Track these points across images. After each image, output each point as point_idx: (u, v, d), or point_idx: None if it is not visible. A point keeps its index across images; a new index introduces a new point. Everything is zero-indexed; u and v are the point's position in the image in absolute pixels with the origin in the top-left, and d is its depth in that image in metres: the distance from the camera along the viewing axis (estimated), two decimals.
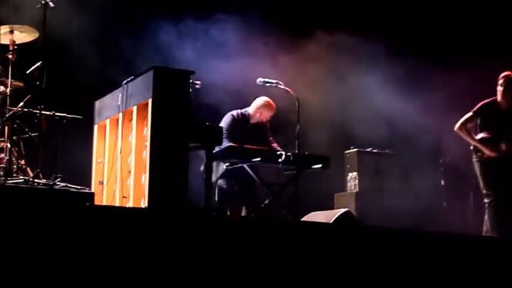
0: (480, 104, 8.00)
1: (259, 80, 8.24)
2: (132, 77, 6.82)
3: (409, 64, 10.15)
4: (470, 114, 8.01)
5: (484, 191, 7.98)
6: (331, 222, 7.37)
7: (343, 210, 7.77)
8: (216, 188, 7.95)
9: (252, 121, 8.25)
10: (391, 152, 10.17)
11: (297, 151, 7.90)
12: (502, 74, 7.97)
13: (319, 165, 7.92)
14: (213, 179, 7.57)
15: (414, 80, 10.20)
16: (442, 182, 10.31)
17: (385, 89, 9.95)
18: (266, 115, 8.28)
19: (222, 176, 7.94)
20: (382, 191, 9.71)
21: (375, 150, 10.11)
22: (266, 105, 8.26)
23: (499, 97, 7.97)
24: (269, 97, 8.34)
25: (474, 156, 8.08)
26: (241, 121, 8.21)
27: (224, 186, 7.98)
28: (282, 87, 8.22)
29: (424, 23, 10.49)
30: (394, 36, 10.25)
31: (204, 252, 5.18)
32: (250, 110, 8.29)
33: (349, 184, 10.00)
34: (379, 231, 6.18)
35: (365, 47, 10.03)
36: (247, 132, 8.13)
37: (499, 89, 7.96)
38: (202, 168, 7.54)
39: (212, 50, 9.38)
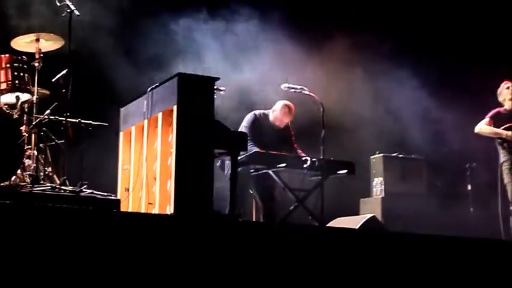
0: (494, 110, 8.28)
1: (284, 85, 8.24)
2: (157, 84, 6.84)
3: (436, 67, 10.10)
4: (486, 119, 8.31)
5: (511, 198, 7.97)
6: (356, 228, 7.34)
7: (368, 215, 7.74)
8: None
9: (273, 123, 8.25)
10: (417, 156, 10.12)
11: (322, 157, 7.89)
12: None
13: (345, 171, 7.90)
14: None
15: (441, 83, 10.15)
16: (469, 187, 10.23)
17: (411, 93, 9.91)
18: (285, 119, 8.27)
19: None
20: (408, 196, 9.65)
21: (400, 155, 10.06)
22: (284, 109, 8.25)
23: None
24: (292, 103, 8.33)
25: (501, 159, 8.09)
26: (263, 121, 8.21)
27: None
28: (307, 92, 8.21)
29: (448, 25, 10.41)
30: (420, 38, 10.19)
31: (230, 258, 5.18)
32: (271, 112, 8.30)
33: (374, 189, 9.95)
34: (405, 237, 6.14)
35: (391, 50, 9.99)
36: (268, 135, 8.13)
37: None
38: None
39: (237, 56, 9.39)
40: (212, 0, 9.51)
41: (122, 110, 7.70)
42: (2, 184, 6.29)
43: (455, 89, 10.14)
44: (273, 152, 7.70)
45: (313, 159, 7.73)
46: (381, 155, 10.02)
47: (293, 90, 8.24)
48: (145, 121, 6.97)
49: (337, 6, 10.19)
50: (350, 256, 5.62)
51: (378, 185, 9.93)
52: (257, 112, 8.27)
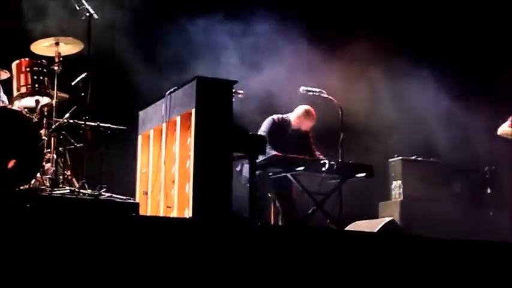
0: None
1: (302, 88, 8.23)
2: (176, 88, 6.86)
3: (457, 69, 10.06)
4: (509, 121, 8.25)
5: None
6: (375, 231, 7.32)
7: (387, 219, 7.72)
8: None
9: (292, 128, 8.24)
10: (436, 160, 10.07)
11: (340, 160, 7.88)
12: None
13: (363, 174, 7.88)
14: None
15: (461, 85, 10.10)
16: (488, 191, 10.17)
17: (431, 95, 9.87)
18: (306, 124, 8.26)
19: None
20: (427, 199, 9.61)
21: (419, 159, 10.02)
22: (306, 114, 8.24)
23: None
24: (311, 106, 8.32)
25: None
26: (281, 125, 8.20)
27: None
28: (325, 96, 8.20)
29: (470, 27, 10.36)
30: (440, 42, 10.16)
31: (249, 262, 5.18)
32: (291, 117, 8.28)
33: (393, 193, 9.92)
34: (424, 241, 6.11)
35: (411, 52, 9.96)
36: (287, 139, 8.12)
37: None
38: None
39: (255, 58, 9.40)
40: (230, 2, 9.51)
41: (141, 113, 7.72)
42: (22, 187, 6.33)
43: (476, 91, 10.09)
44: (292, 156, 7.69)
45: (332, 163, 7.71)
46: (400, 158, 9.99)
47: (311, 93, 8.23)
48: (164, 124, 6.98)
49: (356, 7, 10.16)
50: (368, 260, 5.61)
51: (396, 188, 9.90)
52: (275, 117, 8.26)
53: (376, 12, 10.22)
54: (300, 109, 8.27)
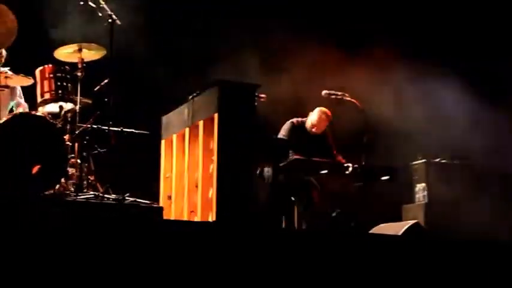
0: None
1: (325, 92, 8.21)
2: (198, 92, 6.87)
3: (483, 69, 9.99)
4: None
5: None
6: (399, 234, 7.28)
7: (411, 222, 7.67)
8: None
9: (310, 130, 8.23)
10: (460, 161, 10.00)
11: (363, 163, 7.85)
12: None
13: (387, 177, 7.85)
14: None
15: (487, 85, 10.03)
16: None
17: (455, 96, 9.82)
18: (322, 125, 8.24)
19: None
20: (452, 202, 9.54)
21: (443, 161, 9.95)
22: (320, 116, 8.22)
23: None
24: (333, 109, 8.30)
25: None
26: (301, 129, 8.19)
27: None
28: (348, 98, 8.18)
29: (499, 27, 10.27)
30: (467, 41, 10.09)
31: (272, 266, 5.17)
32: (308, 119, 8.28)
33: (417, 195, 9.86)
34: (449, 244, 6.07)
35: (434, 53, 9.91)
36: (309, 143, 8.11)
37: None
38: (258, 171, 7.55)
39: (276, 62, 9.40)
40: (250, 5, 9.52)
41: (164, 118, 7.74)
42: (46, 193, 6.37)
43: (501, 91, 10.02)
44: (315, 159, 7.68)
45: (355, 166, 7.69)
46: (423, 160, 9.93)
47: (334, 96, 8.21)
48: (187, 129, 7.00)
49: (378, 8, 10.12)
50: (393, 263, 5.58)
51: (420, 191, 9.84)
52: (295, 120, 8.26)
53: (399, 11, 10.17)
54: (315, 110, 8.27)
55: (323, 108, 8.26)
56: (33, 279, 4.61)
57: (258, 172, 7.69)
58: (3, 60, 7.33)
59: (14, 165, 6.25)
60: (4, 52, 7.33)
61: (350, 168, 7.65)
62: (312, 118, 8.23)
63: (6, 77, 6.81)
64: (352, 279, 5.38)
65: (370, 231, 7.58)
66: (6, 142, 6.29)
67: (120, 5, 7.67)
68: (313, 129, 8.20)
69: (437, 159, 9.96)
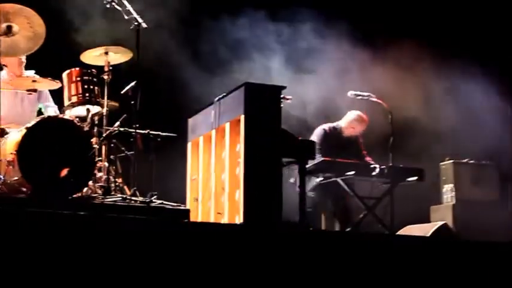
0: None
1: (351, 93, 8.20)
2: (224, 94, 6.87)
3: (509, 68, 9.91)
4: None
5: None
6: (428, 235, 7.24)
7: (440, 223, 7.64)
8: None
9: (344, 135, 8.21)
10: (488, 162, 9.92)
11: (391, 164, 7.82)
12: None
13: (414, 178, 7.82)
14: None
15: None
16: None
17: (482, 96, 9.74)
18: (359, 129, 8.23)
19: (314, 188, 7.92)
20: (480, 203, 9.47)
21: (471, 161, 9.88)
22: (359, 120, 8.21)
23: None
24: (359, 110, 8.28)
25: None
26: (333, 135, 8.18)
27: (316, 199, 7.95)
28: (374, 99, 8.15)
29: None
30: (494, 40, 10.01)
31: (301, 267, 5.16)
32: (342, 123, 8.25)
33: (445, 196, 9.79)
34: (478, 245, 6.03)
35: (461, 53, 9.84)
36: (339, 146, 8.09)
37: None
38: (292, 180, 7.53)
39: (301, 63, 9.38)
40: (276, 10, 9.52)
41: (190, 120, 7.75)
42: (74, 196, 6.40)
43: None
44: (341, 160, 7.66)
45: (382, 167, 7.67)
46: (451, 161, 9.85)
47: (360, 97, 8.19)
48: (213, 131, 7.00)
49: (404, 9, 10.07)
50: (421, 265, 5.55)
51: (448, 192, 9.77)
52: (326, 127, 8.25)
53: (424, 11, 10.11)
54: (352, 115, 8.25)
55: (359, 112, 8.25)
56: (62, 281, 4.64)
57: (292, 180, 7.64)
58: (23, 65, 7.42)
59: (42, 168, 6.29)
60: (24, 57, 7.40)
61: (377, 169, 7.62)
62: (350, 122, 8.20)
63: (33, 81, 6.86)
64: (381, 281, 5.35)
65: (398, 233, 7.55)
66: (35, 145, 6.33)
67: (146, 7, 7.71)
68: (352, 132, 8.16)
69: (466, 160, 9.89)
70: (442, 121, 9.83)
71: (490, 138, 9.77)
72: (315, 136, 8.12)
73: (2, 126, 6.87)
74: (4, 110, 7.17)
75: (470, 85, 9.81)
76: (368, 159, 8.16)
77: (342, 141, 8.18)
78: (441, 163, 9.94)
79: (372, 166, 7.68)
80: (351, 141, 8.24)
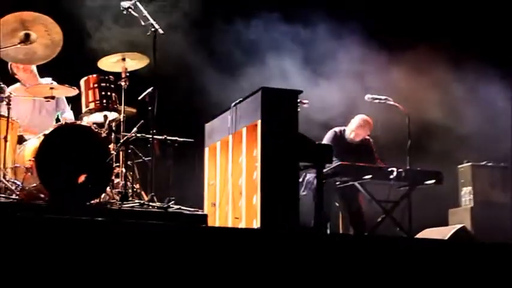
0: None
1: (368, 96, 8.19)
2: (241, 99, 6.88)
3: None
4: None
5: None
6: (446, 238, 7.22)
7: (458, 226, 7.61)
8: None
9: (352, 139, 8.21)
10: (507, 165, 9.87)
11: (408, 167, 7.80)
12: None
13: (432, 181, 7.80)
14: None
15: None
16: None
17: (500, 99, 9.70)
18: (362, 133, 8.22)
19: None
20: (499, 205, 9.43)
21: (489, 164, 9.84)
22: (361, 124, 8.21)
23: None
24: (376, 113, 8.26)
25: None
26: (343, 138, 8.18)
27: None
28: (391, 103, 8.14)
29: None
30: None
31: (319, 272, 5.16)
32: (347, 128, 8.26)
33: (463, 199, 9.76)
34: (496, 247, 5.99)
35: (479, 55, 9.81)
36: (350, 149, 8.09)
37: None
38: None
39: (318, 67, 9.38)
40: (290, 12, 9.52)
41: (207, 125, 7.77)
42: (92, 202, 6.43)
43: None
44: (359, 164, 7.66)
45: (400, 170, 7.65)
46: (469, 164, 9.83)
47: (377, 101, 8.17)
48: (230, 136, 7.01)
49: (421, 8, 10.04)
50: (440, 267, 5.53)
51: (466, 194, 9.74)
52: (337, 129, 8.26)
53: (442, 13, 10.08)
54: (355, 119, 8.25)
55: (363, 115, 8.24)
56: (81, 287, 4.66)
57: (300, 180, 7.66)
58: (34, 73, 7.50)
59: (60, 174, 6.33)
60: (34, 67, 7.47)
61: (395, 173, 7.60)
62: (351, 125, 8.22)
63: (51, 88, 6.91)
64: (400, 284, 5.34)
65: (417, 236, 7.52)
66: (53, 152, 6.37)
67: (162, 13, 7.74)
68: (351, 136, 8.18)
69: (484, 163, 9.85)
70: (460, 124, 9.80)
71: (508, 140, 9.73)
72: (326, 139, 8.12)
73: (20, 134, 6.93)
74: (23, 118, 7.24)
75: (488, 87, 9.77)
76: (379, 162, 8.14)
77: (353, 145, 8.18)
78: (459, 166, 9.91)
79: (389, 170, 7.66)
80: (362, 144, 8.23)
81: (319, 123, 8.75)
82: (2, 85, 6.65)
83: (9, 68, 7.48)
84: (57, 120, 7.61)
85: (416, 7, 10.04)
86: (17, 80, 7.59)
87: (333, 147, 7.80)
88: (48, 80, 7.49)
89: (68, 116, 7.62)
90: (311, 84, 8.75)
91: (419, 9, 10.05)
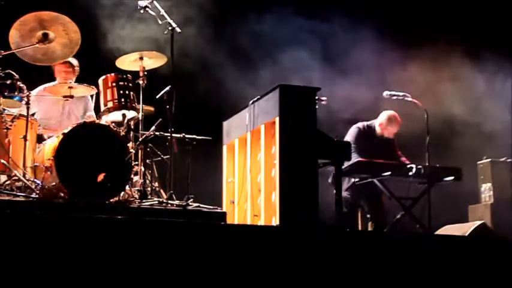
0: None
1: (386, 93, 8.16)
2: (259, 96, 6.88)
3: None
4: None
5: None
6: (466, 235, 7.18)
7: (478, 222, 7.57)
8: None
9: (377, 134, 8.18)
10: None
11: (427, 163, 7.76)
12: None
13: (451, 177, 7.77)
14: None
15: None
16: None
17: None
18: (391, 130, 8.19)
19: (348, 188, 7.90)
20: None
21: (509, 160, 9.77)
22: (390, 120, 8.17)
23: None
24: (395, 110, 8.24)
25: None
26: (367, 133, 8.15)
27: (349, 199, 7.92)
28: (410, 99, 8.11)
29: None
30: None
31: (339, 268, 5.15)
32: (375, 123, 8.22)
33: (483, 195, 9.70)
34: None
35: (498, 51, 9.74)
36: (374, 146, 8.07)
37: None
38: (330, 179, 7.51)
39: (337, 64, 9.36)
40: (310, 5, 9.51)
41: (225, 123, 7.77)
42: (111, 200, 6.45)
43: None
44: (378, 161, 7.63)
45: (419, 167, 7.62)
46: (489, 160, 9.77)
47: (395, 97, 8.14)
48: (248, 133, 7.01)
49: (444, 5, 9.99)
50: (460, 264, 5.50)
51: (486, 191, 9.68)
52: (360, 125, 8.22)
53: (459, 9, 10.02)
54: (384, 115, 8.21)
55: (390, 112, 8.21)
56: (101, 284, 4.68)
57: (330, 181, 7.61)
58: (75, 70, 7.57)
59: (79, 173, 6.35)
60: (74, 61, 7.53)
61: (414, 169, 7.58)
62: (383, 123, 8.17)
63: (70, 87, 6.93)
64: (420, 280, 5.32)
65: (437, 233, 7.49)
66: (72, 151, 6.39)
67: (180, 12, 7.75)
68: (385, 134, 8.14)
69: (503, 159, 9.79)
70: (480, 120, 9.75)
71: None
72: (349, 135, 8.10)
73: (40, 132, 6.97)
74: (50, 119, 7.30)
75: (508, 83, 9.72)
76: (403, 159, 8.11)
77: (376, 141, 8.15)
78: (479, 162, 9.86)
79: (409, 166, 7.63)
80: (385, 140, 8.20)
81: (336, 120, 8.73)
82: (22, 85, 6.68)
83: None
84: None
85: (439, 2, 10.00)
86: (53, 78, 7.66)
87: (357, 144, 7.82)
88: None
89: (91, 115, 7.66)
90: (329, 81, 8.73)
91: (442, 3, 10.00)
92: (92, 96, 7.62)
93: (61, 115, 7.55)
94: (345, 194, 7.83)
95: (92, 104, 7.73)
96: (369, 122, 8.26)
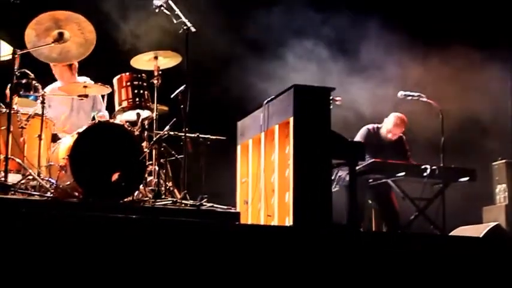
0: None
1: (401, 93, 8.15)
2: (273, 97, 6.88)
3: None
4: None
5: None
6: (480, 236, 7.16)
7: (492, 224, 7.53)
8: None
9: (384, 137, 8.17)
10: None
11: (442, 164, 7.74)
12: None
13: (466, 178, 7.74)
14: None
15: None
16: None
17: None
18: (396, 132, 8.17)
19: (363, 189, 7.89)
20: None
21: None
22: (397, 123, 8.15)
23: None
24: (410, 110, 8.22)
25: None
26: (376, 135, 8.14)
27: (365, 200, 7.92)
28: (424, 99, 8.09)
29: None
30: None
31: (352, 269, 5.14)
32: (383, 126, 8.22)
33: (498, 197, 9.66)
34: None
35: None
36: (383, 146, 8.06)
37: None
38: (335, 188, 7.51)
39: (351, 65, 9.35)
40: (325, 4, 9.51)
41: (239, 123, 7.77)
42: (126, 199, 6.47)
43: None
44: (392, 161, 7.62)
45: (433, 167, 7.60)
46: (504, 161, 9.73)
47: (410, 97, 8.13)
48: (262, 134, 7.01)
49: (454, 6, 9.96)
50: (474, 265, 5.48)
51: (501, 192, 9.64)
52: (370, 126, 8.22)
53: (476, 11, 9.99)
54: (390, 116, 8.21)
55: (398, 114, 8.20)
56: (116, 283, 4.69)
57: (333, 177, 7.63)
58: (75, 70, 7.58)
59: (93, 172, 6.37)
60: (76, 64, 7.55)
61: (428, 170, 7.55)
62: (387, 124, 8.17)
63: (84, 87, 6.95)
64: (434, 282, 5.31)
65: (451, 234, 7.47)
66: (86, 150, 6.41)
67: (196, 12, 7.76)
68: (389, 135, 8.14)
69: None
70: (495, 120, 9.71)
71: None
72: (359, 136, 8.09)
73: (55, 132, 6.99)
74: (61, 117, 7.32)
75: None
76: (411, 160, 8.10)
77: (386, 142, 8.14)
78: (494, 163, 9.82)
79: (423, 167, 7.61)
80: (395, 141, 8.18)
81: (351, 121, 8.72)
82: (37, 84, 6.70)
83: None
84: (93, 119, 7.67)
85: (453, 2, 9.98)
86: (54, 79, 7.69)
87: (365, 144, 7.80)
88: (84, 79, 7.55)
89: (104, 115, 7.69)
90: (343, 82, 8.71)
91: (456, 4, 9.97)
92: (103, 96, 7.64)
93: (70, 111, 7.57)
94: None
95: (102, 101, 7.74)
96: (379, 124, 8.26)
